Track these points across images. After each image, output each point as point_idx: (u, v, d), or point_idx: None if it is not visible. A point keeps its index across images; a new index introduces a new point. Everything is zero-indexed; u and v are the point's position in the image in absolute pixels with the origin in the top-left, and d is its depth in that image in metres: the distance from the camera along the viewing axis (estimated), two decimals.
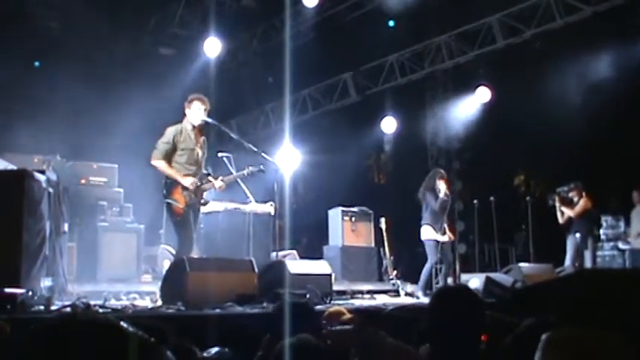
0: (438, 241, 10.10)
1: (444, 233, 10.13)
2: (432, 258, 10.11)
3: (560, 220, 11.14)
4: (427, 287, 9.84)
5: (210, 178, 7.67)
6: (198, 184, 7.48)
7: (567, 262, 10.96)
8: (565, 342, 2.00)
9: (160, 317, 5.32)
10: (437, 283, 13.93)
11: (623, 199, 12.59)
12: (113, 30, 12.14)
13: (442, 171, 10.65)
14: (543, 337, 2.06)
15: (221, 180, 7.76)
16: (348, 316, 3.80)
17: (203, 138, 7.79)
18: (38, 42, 11.71)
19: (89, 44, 11.57)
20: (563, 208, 11.12)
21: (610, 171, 12.59)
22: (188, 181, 7.40)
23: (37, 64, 12.49)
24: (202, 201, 7.63)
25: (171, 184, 7.43)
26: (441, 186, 10.20)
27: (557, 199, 11.22)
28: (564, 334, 2.04)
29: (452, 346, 2.85)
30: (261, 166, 7.99)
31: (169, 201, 7.39)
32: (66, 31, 11.81)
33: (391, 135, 15.29)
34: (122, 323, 1.79)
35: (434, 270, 14.73)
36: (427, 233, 10.20)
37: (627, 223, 12.61)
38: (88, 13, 11.43)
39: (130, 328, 1.79)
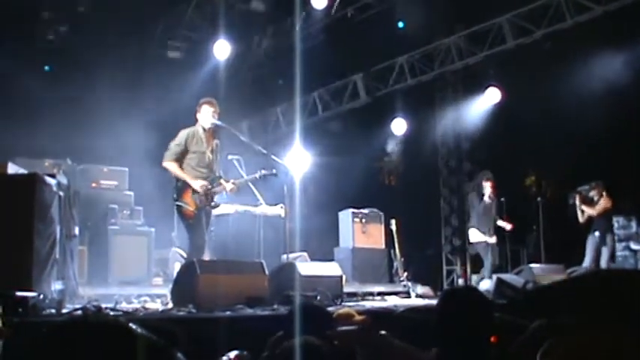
0: (487, 243, 10.10)
1: (492, 235, 10.12)
2: (486, 260, 10.12)
3: (581, 219, 11.07)
4: None
5: (221, 181, 7.69)
6: (209, 187, 7.49)
7: (586, 262, 10.83)
8: (566, 348, 1.99)
9: (170, 320, 5.33)
10: (448, 285, 13.91)
11: (635, 200, 12.51)
12: (122, 33, 12.15)
13: (489, 173, 10.61)
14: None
15: (232, 183, 7.77)
16: (357, 317, 3.79)
17: (216, 141, 7.81)
18: (48, 46, 11.75)
19: (98, 48, 11.59)
20: (584, 207, 11.06)
21: (622, 171, 12.48)
22: (198, 184, 7.42)
23: (46, 68, 12.52)
24: (213, 204, 7.65)
25: (181, 187, 7.45)
26: (486, 189, 10.19)
27: (577, 197, 11.16)
28: (565, 341, 2.03)
29: (459, 347, 2.83)
30: (274, 170, 7.99)
31: (179, 204, 7.42)
32: (75, 34, 11.84)
33: (401, 136, 15.25)
34: (131, 325, 1.80)
35: (445, 272, 14.77)
36: (474, 236, 10.21)
37: (639, 224, 12.52)
38: (97, 16, 11.47)
39: (139, 330, 1.79)
